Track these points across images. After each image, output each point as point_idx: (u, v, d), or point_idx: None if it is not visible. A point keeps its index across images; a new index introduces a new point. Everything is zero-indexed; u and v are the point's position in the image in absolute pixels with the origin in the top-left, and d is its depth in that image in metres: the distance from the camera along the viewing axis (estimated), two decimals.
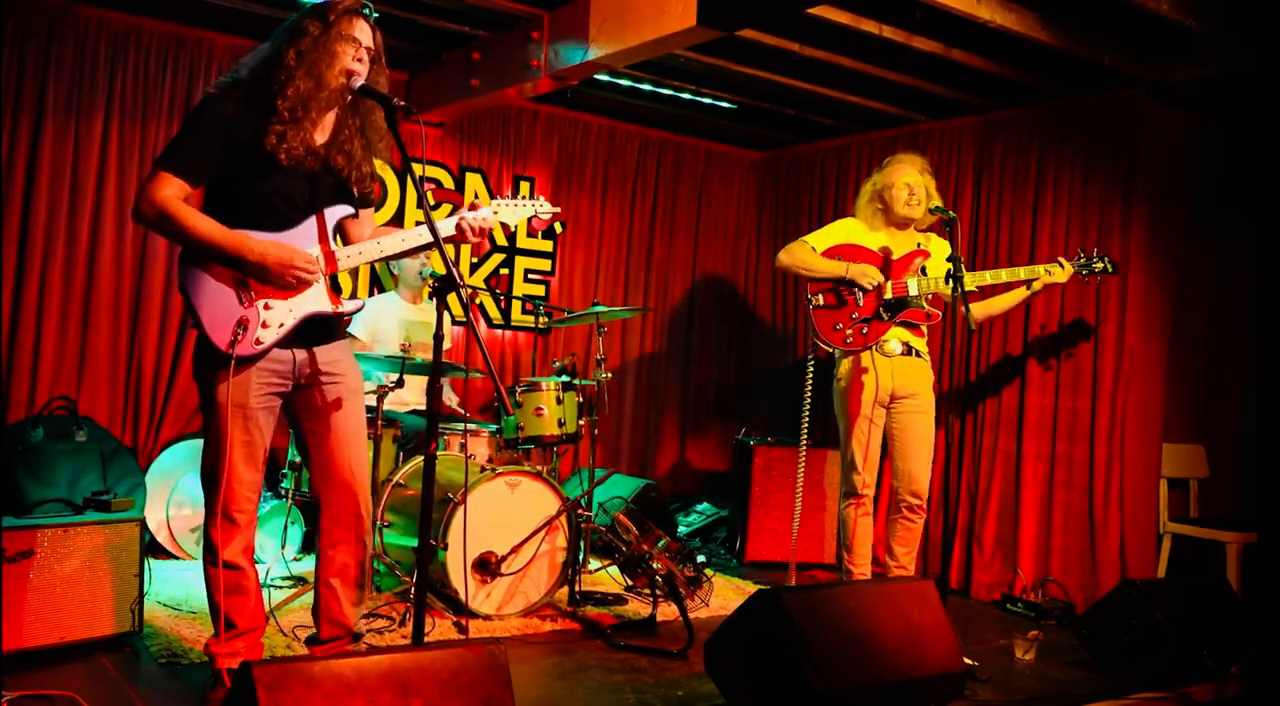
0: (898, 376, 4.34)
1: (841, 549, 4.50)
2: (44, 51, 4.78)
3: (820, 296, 4.40)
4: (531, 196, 3.19)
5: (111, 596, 3.46)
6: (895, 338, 4.35)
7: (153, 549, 4.51)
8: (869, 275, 4.30)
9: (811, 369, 4.51)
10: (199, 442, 4.87)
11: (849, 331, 4.34)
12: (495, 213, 3.08)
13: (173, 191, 2.74)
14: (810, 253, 4.43)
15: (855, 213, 4.54)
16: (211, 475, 2.87)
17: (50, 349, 4.83)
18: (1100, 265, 4.47)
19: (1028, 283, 4.43)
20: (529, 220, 3.20)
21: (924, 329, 4.42)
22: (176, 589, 4.20)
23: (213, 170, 2.80)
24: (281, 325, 2.84)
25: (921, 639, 3.13)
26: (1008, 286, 4.48)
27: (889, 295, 4.32)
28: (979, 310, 4.50)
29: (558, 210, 3.27)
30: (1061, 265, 4.42)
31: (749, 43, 4.71)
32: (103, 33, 4.92)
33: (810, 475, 5.54)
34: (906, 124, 5.98)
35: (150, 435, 5.08)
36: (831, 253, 4.41)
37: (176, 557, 4.73)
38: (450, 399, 5.33)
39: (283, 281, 2.82)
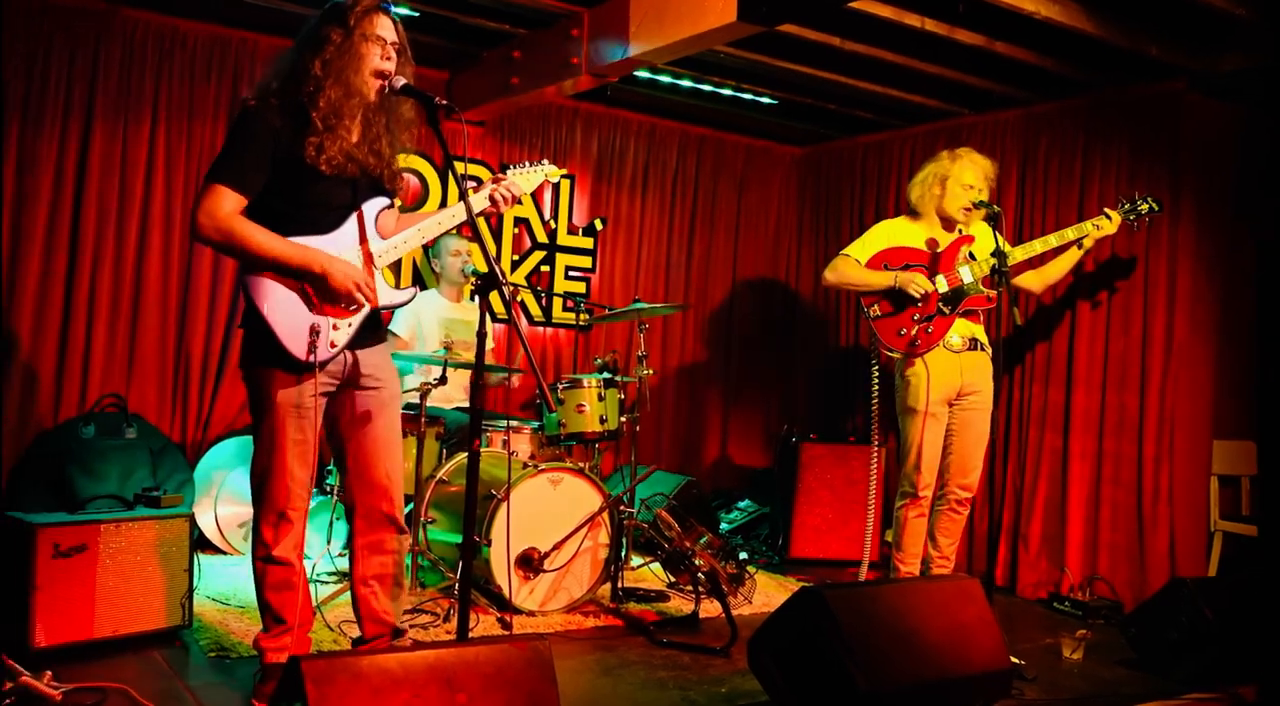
0: (965, 372, 4.32)
1: (891, 548, 4.48)
2: (92, 56, 4.86)
3: (875, 306, 4.39)
4: (535, 162, 3.20)
5: (162, 591, 3.52)
6: (958, 333, 4.32)
7: (201, 544, 4.57)
8: (917, 283, 4.26)
9: (877, 368, 4.49)
10: (245, 440, 4.98)
11: (914, 332, 4.31)
12: (512, 184, 3.11)
13: (231, 207, 2.76)
14: (854, 266, 4.41)
15: (909, 191, 4.50)
16: (266, 475, 2.91)
17: (100, 347, 4.91)
18: (1145, 206, 4.44)
19: (1078, 241, 4.40)
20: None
21: (981, 315, 4.38)
22: (224, 583, 4.26)
23: (263, 180, 2.81)
24: (350, 326, 2.88)
25: (967, 637, 3.11)
26: (1058, 251, 4.45)
27: (945, 289, 4.29)
28: (1036, 280, 4.49)
29: (563, 172, 3.29)
30: (1108, 216, 4.39)
31: (789, 37, 4.69)
32: (148, 36, 4.99)
33: (855, 473, 5.51)
34: (949, 118, 5.93)
35: (198, 432, 5.16)
36: (876, 260, 4.39)
37: (224, 553, 4.80)
38: (508, 380, 5.32)
39: (340, 297, 2.84)
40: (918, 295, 4.26)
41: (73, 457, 4.44)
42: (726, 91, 5.90)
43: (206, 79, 5.15)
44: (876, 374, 4.48)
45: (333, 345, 2.86)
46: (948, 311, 4.30)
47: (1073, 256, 4.46)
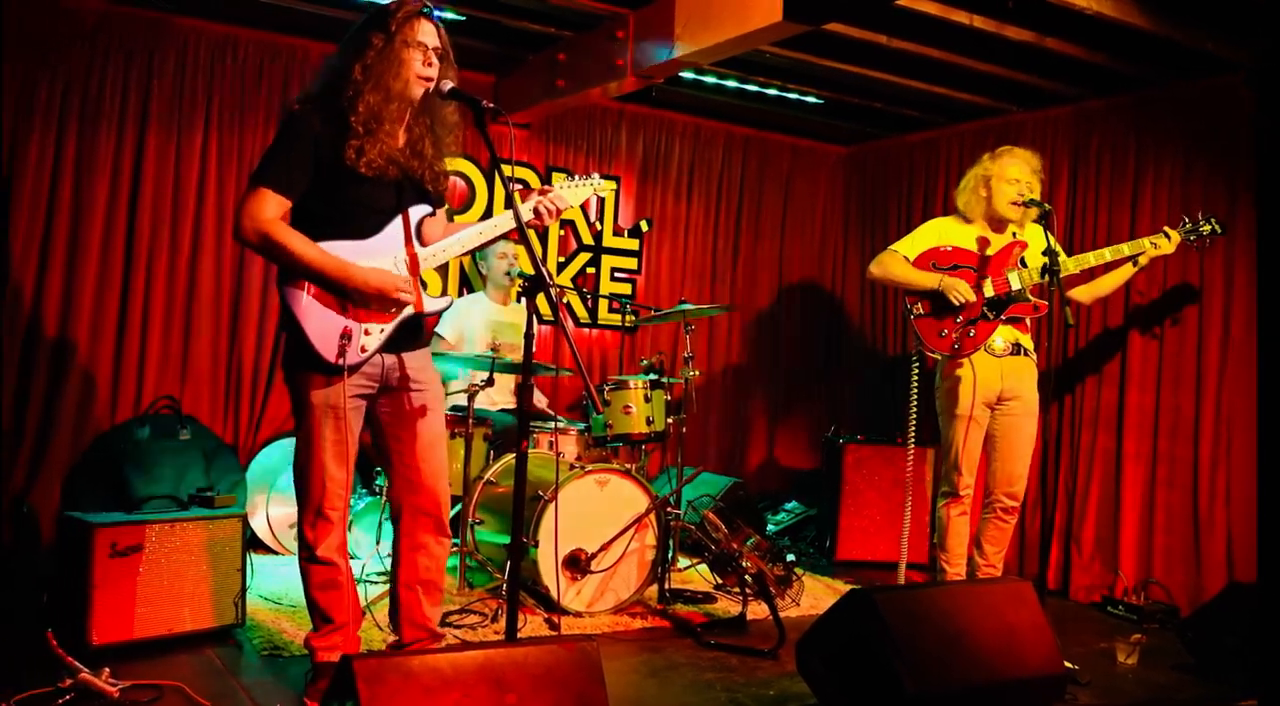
0: (1006, 377, 4.26)
1: (936, 548, 4.44)
2: (146, 65, 4.94)
3: (919, 305, 4.35)
4: (584, 176, 3.20)
5: (216, 590, 3.58)
6: (1002, 336, 4.27)
7: (253, 544, 4.63)
8: (959, 291, 4.21)
9: (916, 367, 4.43)
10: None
11: (955, 335, 4.26)
12: (559, 194, 3.10)
13: (273, 210, 2.80)
14: (901, 263, 4.36)
15: (955, 198, 4.45)
16: (304, 474, 2.95)
17: (155, 350, 5.00)
18: (1208, 227, 4.33)
19: (1133, 258, 4.30)
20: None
21: (1028, 323, 4.33)
22: (276, 583, 4.32)
23: (305, 184, 2.85)
24: (382, 331, 2.90)
25: (1019, 640, 3.07)
26: (1111, 265, 4.36)
27: (991, 293, 4.23)
28: (1086, 293, 4.41)
29: (612, 185, 3.28)
30: (1167, 235, 4.29)
31: (835, 36, 4.66)
32: (201, 43, 5.07)
33: (903, 474, 5.42)
34: (998, 115, 5.86)
35: (250, 434, 5.23)
36: (924, 259, 4.34)
37: (276, 553, 4.87)
38: (539, 400, 5.38)
39: (373, 303, 2.87)
40: (958, 303, 4.22)
41: (129, 459, 4.52)
42: (772, 91, 5.88)
43: (257, 85, 5.22)
44: (916, 373, 4.43)
45: (363, 349, 2.88)
46: (992, 316, 4.25)
47: (1126, 272, 4.36)
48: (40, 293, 4.73)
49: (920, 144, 6.44)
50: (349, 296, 2.85)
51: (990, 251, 4.29)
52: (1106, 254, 4.27)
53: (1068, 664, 3.39)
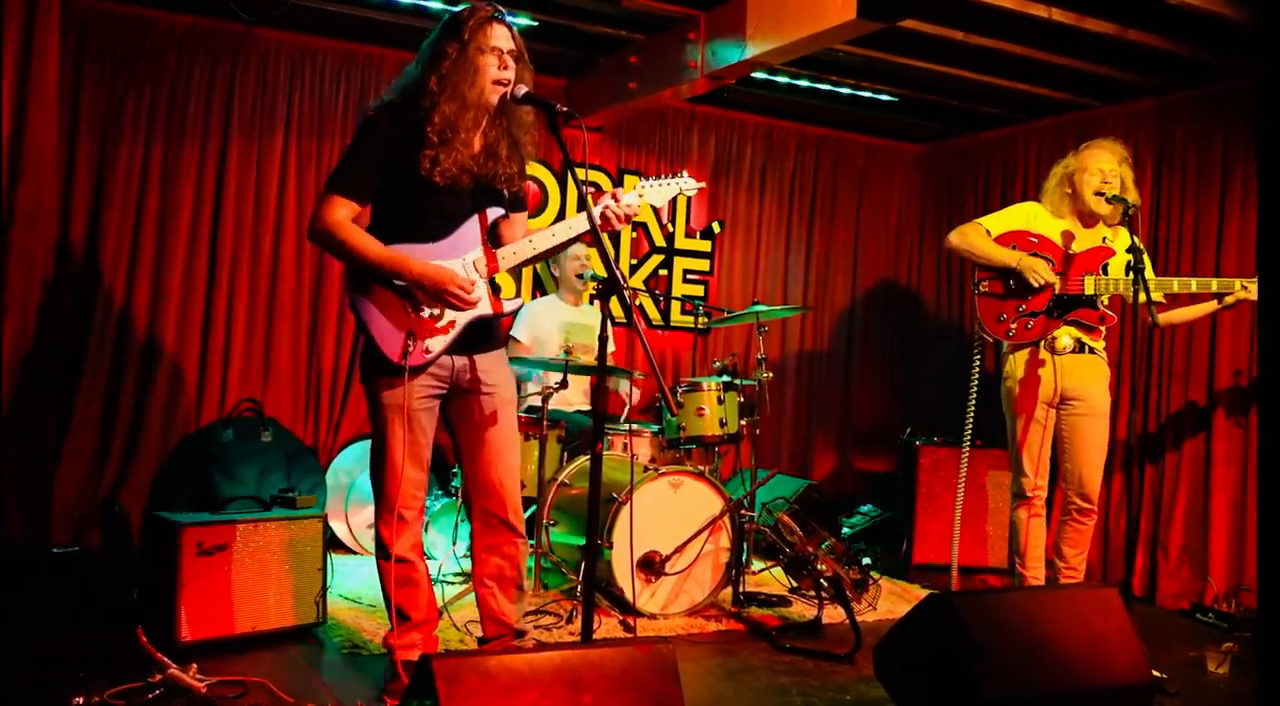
0: (1069, 376, 4.13)
1: (1013, 553, 4.35)
2: (229, 75, 5.08)
3: (986, 283, 4.21)
4: (677, 175, 3.19)
5: (298, 589, 3.65)
6: (1068, 334, 4.15)
7: (333, 544, 4.71)
8: (1038, 273, 4.08)
9: (977, 365, 4.33)
10: None
11: (1013, 324, 4.15)
12: (641, 196, 3.11)
13: (343, 214, 2.86)
14: (983, 236, 4.22)
15: (1040, 196, 4.33)
16: (379, 475, 3.00)
17: (238, 354, 5.12)
18: None
19: (1219, 296, 4.09)
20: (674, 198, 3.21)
21: (1101, 331, 4.19)
22: (356, 583, 4.39)
23: (376, 189, 2.90)
24: (448, 333, 2.93)
25: (1105, 648, 3.00)
26: (1195, 298, 4.18)
27: (1061, 291, 4.12)
28: (1162, 318, 4.23)
29: (702, 185, 3.27)
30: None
31: (909, 33, 4.61)
32: (280, 53, 5.19)
33: (975, 476, 5.38)
34: (1078, 110, 5.74)
35: (329, 435, 5.33)
36: (1006, 239, 4.20)
37: (355, 553, 4.95)
38: (629, 395, 5.38)
39: (439, 302, 2.91)
40: (1036, 284, 4.07)
41: (213, 460, 4.64)
42: (845, 90, 5.83)
43: (335, 93, 5.33)
44: (976, 368, 4.31)
45: (427, 351, 2.91)
46: (1055, 314, 4.13)
47: (1208, 308, 4.16)
48: (129, 298, 4.88)
49: (998, 141, 6.34)
50: (408, 291, 2.89)
51: (1075, 249, 4.17)
52: (1192, 284, 4.05)
53: (1155, 672, 3.30)
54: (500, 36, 2.92)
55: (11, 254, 4.04)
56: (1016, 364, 4.20)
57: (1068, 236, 4.18)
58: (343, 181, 2.88)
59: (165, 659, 3.04)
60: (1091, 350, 4.18)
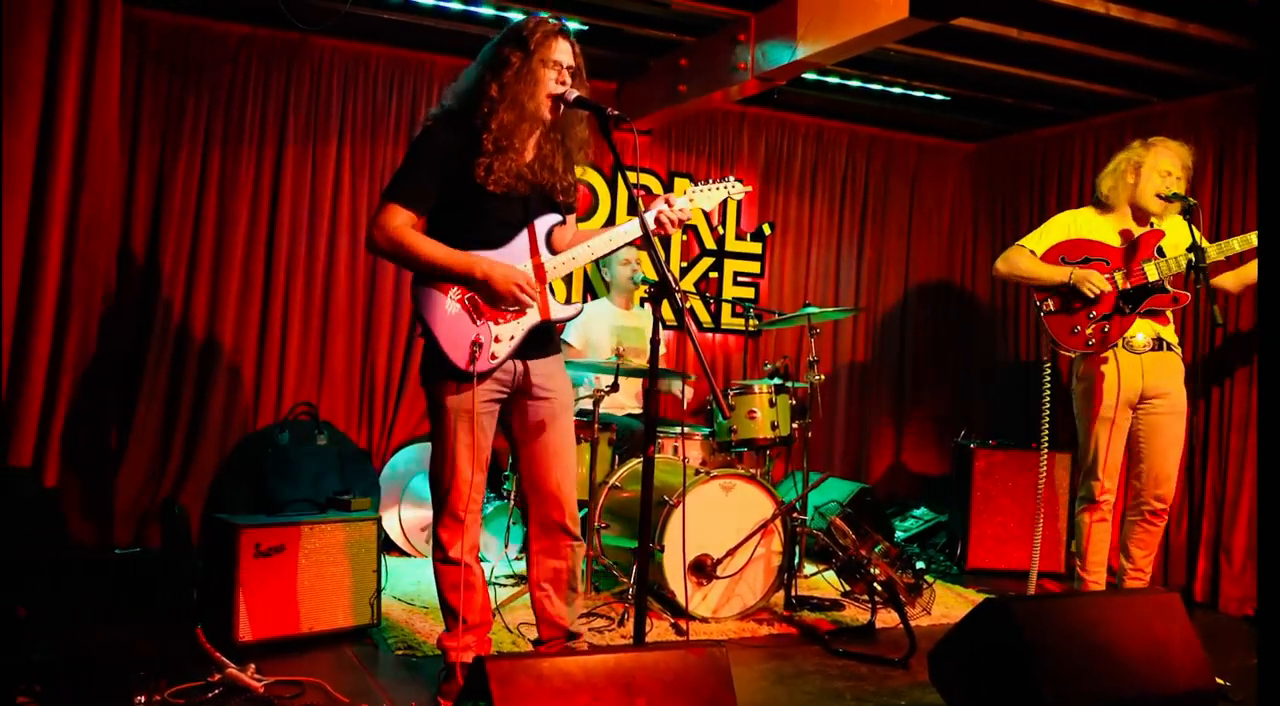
0: (1148, 374, 4.06)
1: (1074, 557, 4.28)
2: (284, 83, 5.16)
3: (1049, 302, 4.16)
4: (724, 180, 3.19)
5: (352, 590, 3.68)
6: (1142, 331, 4.07)
7: (387, 546, 4.76)
8: (1092, 283, 4.02)
9: (1049, 369, 4.25)
10: (428, 446, 5.14)
11: (1089, 331, 4.08)
12: (691, 200, 3.11)
13: (402, 221, 2.88)
14: (1029, 258, 4.19)
15: (1099, 183, 4.25)
16: (439, 477, 3.02)
17: (294, 358, 5.19)
18: None
19: None
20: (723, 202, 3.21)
21: (1169, 315, 4.12)
22: (409, 584, 4.42)
23: (433, 199, 2.92)
24: (512, 338, 2.95)
25: (1167, 654, 2.94)
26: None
27: (1126, 285, 4.06)
28: (1233, 280, 4.16)
29: (749, 188, 3.26)
30: None
31: (962, 31, 4.56)
32: (335, 61, 5.26)
33: (1033, 480, 5.27)
34: (1136, 107, 5.64)
35: (383, 439, 5.39)
36: (1053, 254, 4.16)
37: (408, 555, 4.99)
38: (679, 394, 5.37)
39: (506, 302, 2.92)
40: (1091, 295, 4.03)
41: (270, 462, 4.70)
42: (896, 89, 5.78)
43: (388, 100, 5.39)
44: (1048, 373, 4.24)
45: (493, 357, 2.93)
46: (1127, 310, 4.06)
47: None
48: (188, 303, 4.96)
49: (1053, 138, 6.24)
50: (478, 291, 2.90)
51: (1129, 244, 4.10)
52: (1252, 237, 4.01)
53: (1219, 680, 3.23)
54: (563, 51, 2.93)
55: (76, 260, 4.13)
56: (1092, 365, 4.13)
57: (1125, 234, 4.11)
58: (401, 191, 2.91)
59: (224, 658, 3.09)
60: (1169, 346, 4.11)
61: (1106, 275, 4.07)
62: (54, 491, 4.08)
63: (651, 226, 3.01)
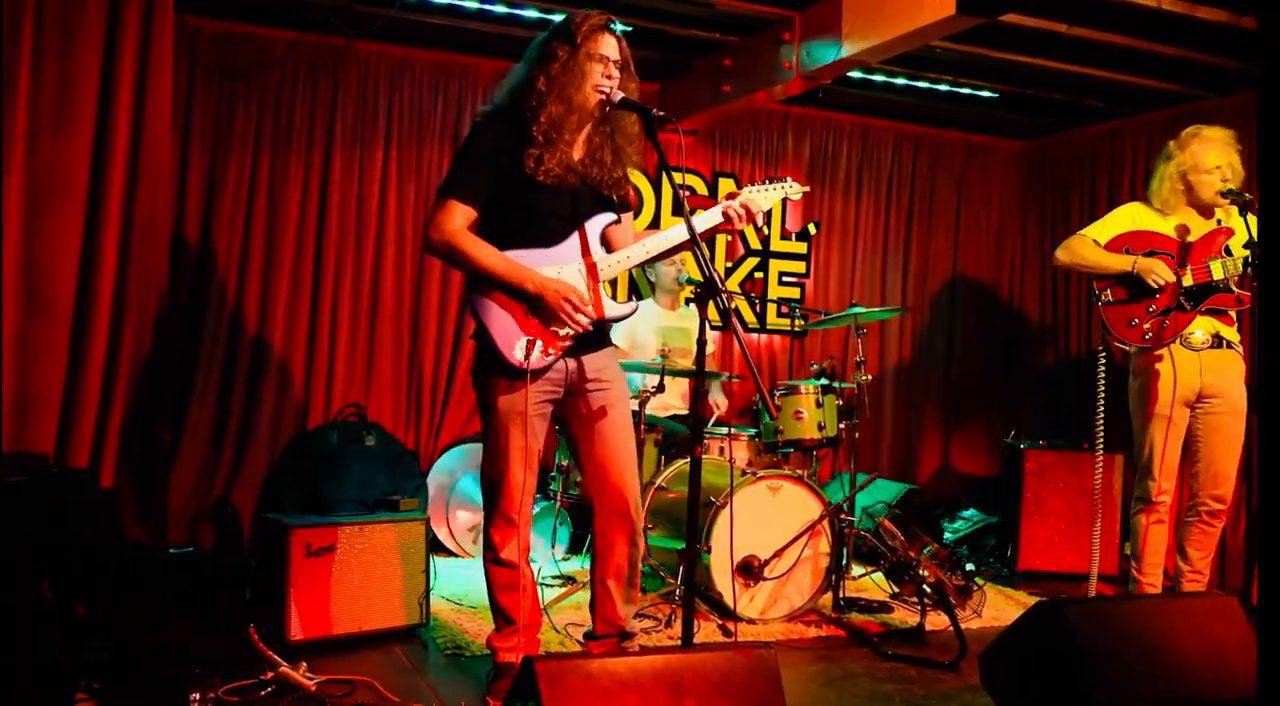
0: (1206, 372, 3.98)
1: (1129, 559, 4.21)
2: (331, 88, 5.21)
3: (1108, 291, 4.07)
4: (781, 180, 3.18)
5: (401, 590, 3.71)
6: (1201, 328, 3.99)
7: (434, 546, 4.79)
8: (1157, 273, 3.94)
9: (1103, 363, 4.17)
10: (474, 446, 5.20)
11: (1147, 326, 4.00)
12: (750, 201, 3.09)
13: (459, 221, 2.90)
14: (1091, 247, 4.11)
15: (1148, 193, 4.18)
16: (492, 479, 3.03)
17: (342, 360, 5.25)
18: None
19: None
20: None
21: (1233, 315, 4.04)
22: (457, 584, 4.45)
23: (488, 192, 2.94)
24: (567, 336, 2.96)
25: (1225, 659, 2.88)
26: None
27: (1190, 282, 3.97)
28: None
29: (806, 188, 3.25)
30: None
31: (1010, 27, 4.51)
32: (381, 65, 5.31)
33: (1089, 481, 5.20)
34: (1189, 102, 5.54)
35: (430, 440, 5.43)
36: (1116, 244, 4.08)
37: (456, 555, 5.02)
38: (719, 403, 5.38)
39: (555, 317, 2.92)
40: (1156, 286, 3.95)
41: (320, 463, 4.75)
42: (943, 87, 5.73)
43: (433, 104, 5.43)
44: (1103, 368, 4.16)
45: (547, 355, 2.94)
46: (1189, 307, 3.97)
47: None
48: (239, 305, 5.04)
49: (1103, 135, 6.16)
50: (528, 301, 2.92)
51: (1191, 238, 4.01)
52: None
53: None
54: (609, 46, 2.95)
55: (130, 265, 4.21)
56: (1149, 362, 4.05)
57: (1182, 229, 4.03)
58: (456, 187, 2.92)
59: (276, 657, 3.13)
60: (1229, 344, 4.03)
61: (1171, 269, 3.99)
62: (110, 492, 4.16)
63: (718, 221, 3.01)
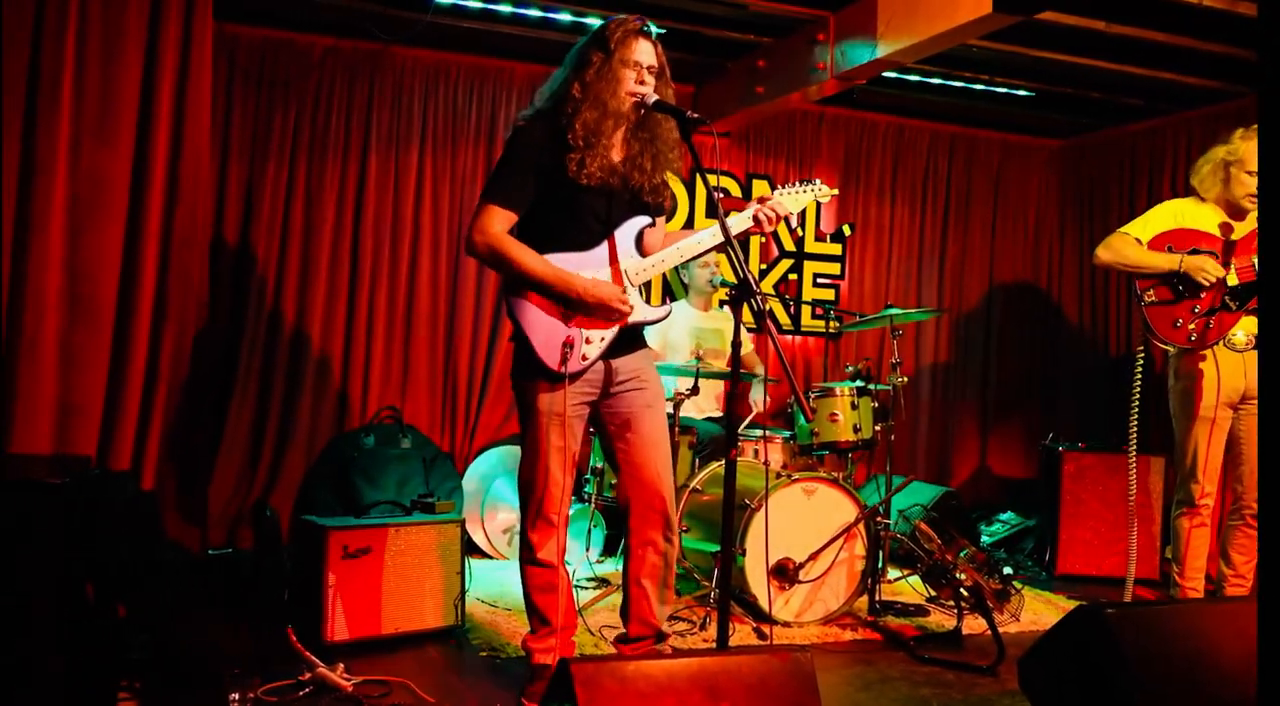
0: (1251, 373, 3.91)
1: (1170, 564, 4.15)
2: (367, 93, 5.25)
3: (1151, 291, 4.00)
4: (810, 182, 3.19)
5: (437, 592, 3.73)
6: (1244, 329, 3.93)
7: (469, 548, 4.81)
8: (1207, 270, 3.86)
9: (1141, 364, 4.12)
10: (510, 449, 5.22)
11: (1191, 326, 3.94)
12: (777, 204, 3.10)
13: (501, 225, 2.92)
14: (1134, 245, 4.04)
15: (1192, 180, 4.12)
16: (530, 480, 3.04)
17: (379, 363, 5.29)
18: None
19: None
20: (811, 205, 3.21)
21: None
22: (492, 586, 4.47)
23: (532, 197, 2.96)
24: (603, 340, 2.98)
25: None
26: None
27: (1235, 281, 3.91)
28: None
29: (835, 191, 3.24)
30: None
31: (1047, 25, 4.47)
32: (416, 69, 5.35)
33: (1124, 483, 5.14)
34: (1230, 99, 5.46)
35: (464, 442, 5.45)
36: (1159, 241, 4.01)
37: (491, 557, 5.04)
38: (757, 401, 5.36)
39: (595, 313, 2.95)
40: (1207, 283, 3.86)
41: (356, 465, 4.79)
42: (979, 86, 5.69)
43: (467, 108, 5.46)
44: (1140, 370, 4.09)
45: (584, 358, 2.96)
46: (1234, 307, 3.91)
47: None
48: (277, 312, 5.09)
49: (1143, 133, 6.09)
50: (572, 306, 2.94)
51: (1235, 236, 3.95)
52: None
53: None
54: (644, 52, 2.96)
55: (171, 273, 4.26)
56: (1192, 363, 4.00)
57: (1225, 227, 3.97)
58: (499, 191, 2.95)
59: (313, 658, 3.15)
60: None
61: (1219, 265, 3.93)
62: (151, 494, 4.21)
63: (748, 225, 3.03)
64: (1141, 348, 4.10)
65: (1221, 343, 3.92)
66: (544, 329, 2.94)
